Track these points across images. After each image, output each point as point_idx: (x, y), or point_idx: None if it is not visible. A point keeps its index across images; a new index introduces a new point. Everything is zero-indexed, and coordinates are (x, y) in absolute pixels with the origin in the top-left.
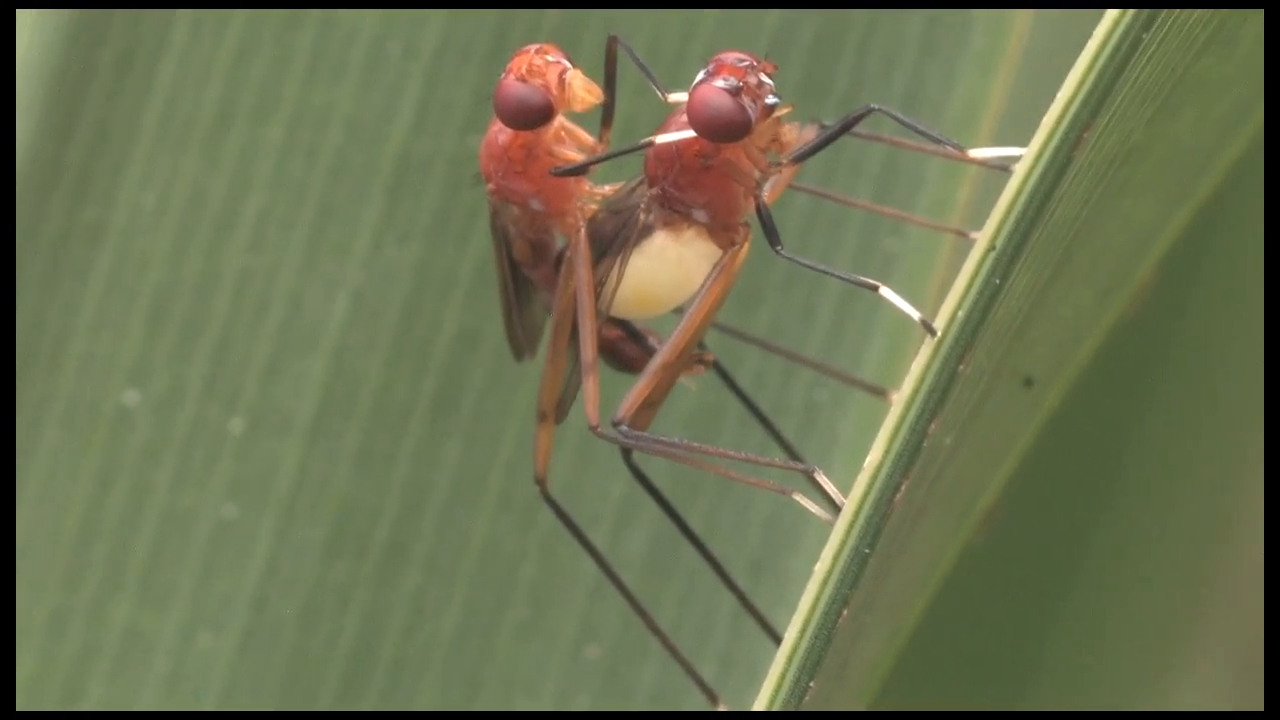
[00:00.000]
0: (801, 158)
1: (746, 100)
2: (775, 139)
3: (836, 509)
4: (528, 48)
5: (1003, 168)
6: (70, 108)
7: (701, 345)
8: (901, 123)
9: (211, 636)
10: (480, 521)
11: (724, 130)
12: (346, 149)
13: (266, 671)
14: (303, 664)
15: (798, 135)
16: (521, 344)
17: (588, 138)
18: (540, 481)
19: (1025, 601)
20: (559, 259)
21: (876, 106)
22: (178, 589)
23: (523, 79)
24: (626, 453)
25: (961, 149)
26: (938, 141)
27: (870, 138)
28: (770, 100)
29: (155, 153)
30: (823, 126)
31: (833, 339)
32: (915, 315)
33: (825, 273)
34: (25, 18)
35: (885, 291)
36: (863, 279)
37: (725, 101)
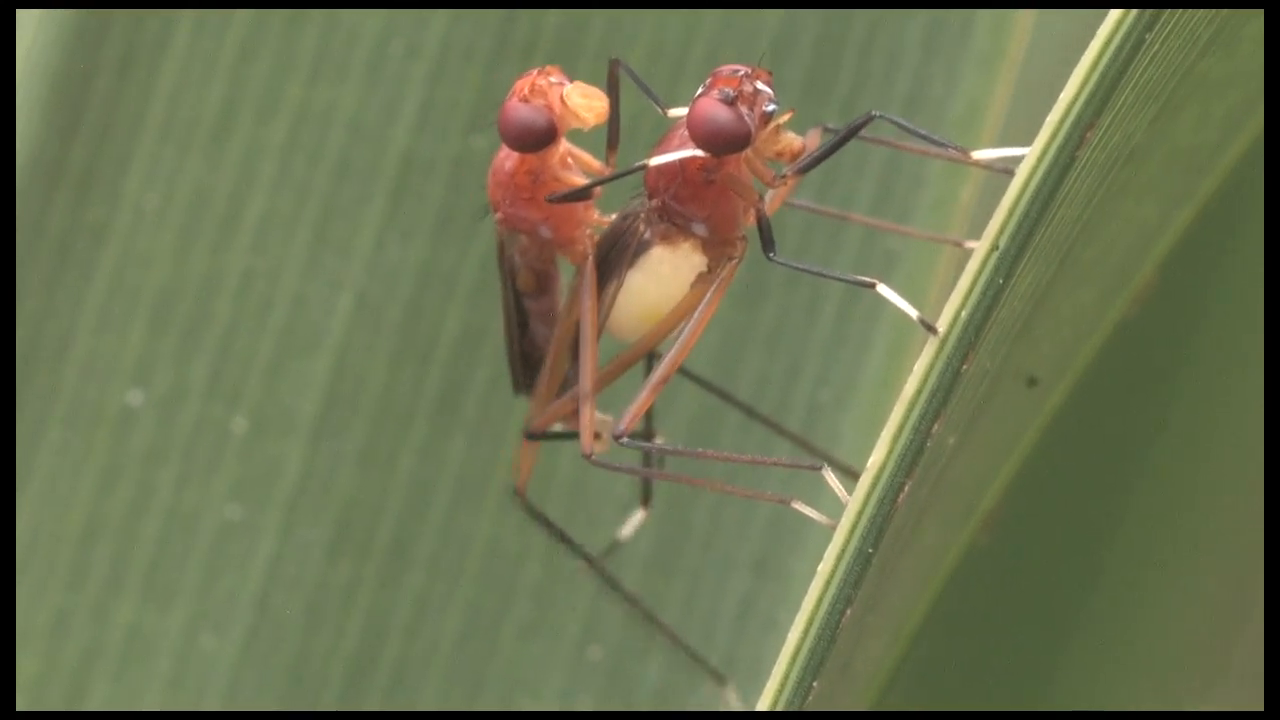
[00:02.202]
0: (805, 169)
1: (744, 109)
2: (780, 150)
3: (840, 510)
4: (530, 70)
5: (1006, 170)
6: (73, 107)
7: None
8: (903, 128)
9: (215, 636)
10: (483, 521)
11: (725, 142)
12: (349, 149)
13: (270, 671)
14: (306, 664)
15: (802, 144)
16: (522, 377)
17: (595, 162)
18: (520, 492)
19: (1029, 601)
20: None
21: (878, 113)
22: (181, 589)
23: (525, 100)
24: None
25: (964, 151)
26: (940, 145)
27: (873, 141)
28: (769, 108)
29: (158, 152)
30: (826, 130)
31: (836, 337)
32: (914, 313)
33: (820, 274)
34: (27, 18)
35: (882, 289)
36: (859, 278)
37: (723, 113)
